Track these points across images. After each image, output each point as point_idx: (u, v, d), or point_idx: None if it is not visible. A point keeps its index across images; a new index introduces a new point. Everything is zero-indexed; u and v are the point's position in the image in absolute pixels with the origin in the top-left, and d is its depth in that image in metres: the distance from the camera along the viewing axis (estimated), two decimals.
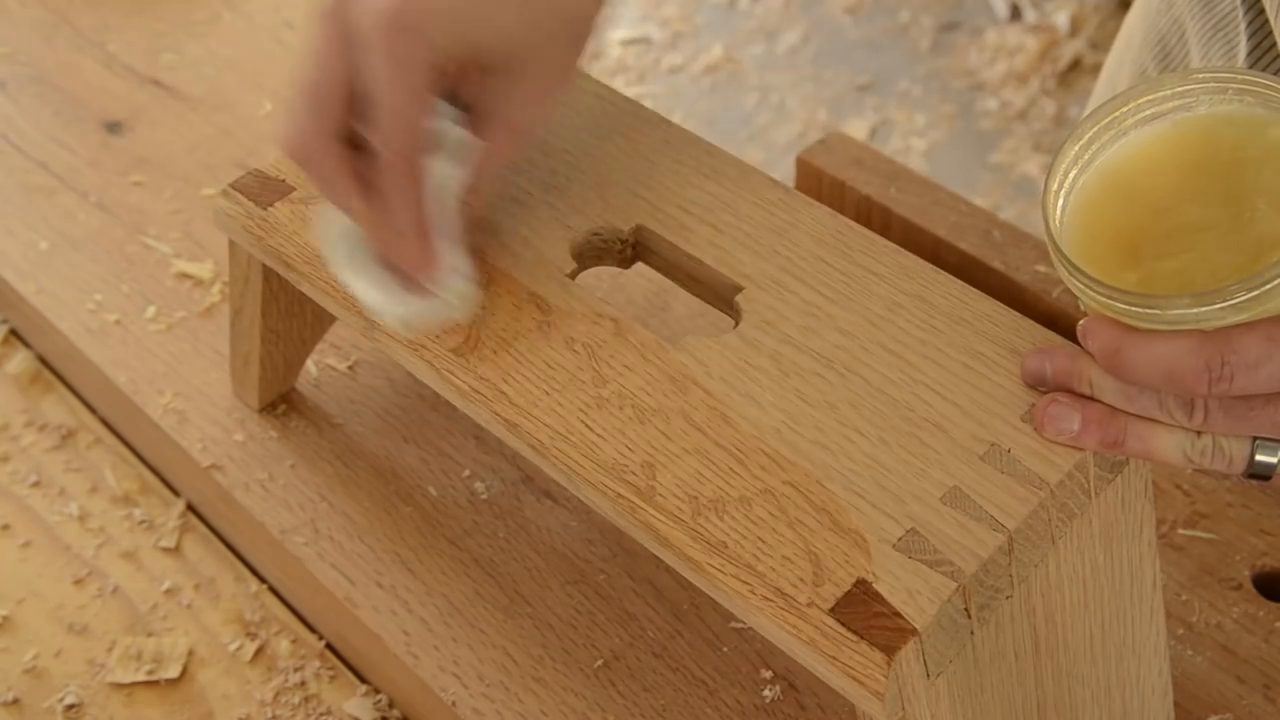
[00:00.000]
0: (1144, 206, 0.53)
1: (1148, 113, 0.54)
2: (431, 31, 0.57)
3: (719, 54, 2.44)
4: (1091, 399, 0.54)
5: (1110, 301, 0.50)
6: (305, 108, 0.59)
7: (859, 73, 2.39)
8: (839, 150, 0.91)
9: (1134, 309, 0.50)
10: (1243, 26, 0.75)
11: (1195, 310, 0.49)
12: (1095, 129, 0.54)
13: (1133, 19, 0.90)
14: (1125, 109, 0.54)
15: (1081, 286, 0.51)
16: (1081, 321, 0.54)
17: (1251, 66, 0.74)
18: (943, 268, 0.62)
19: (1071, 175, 0.54)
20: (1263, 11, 0.74)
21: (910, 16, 2.49)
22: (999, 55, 2.39)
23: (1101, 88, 0.95)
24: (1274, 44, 0.74)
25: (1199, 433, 0.53)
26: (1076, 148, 0.54)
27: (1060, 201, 0.54)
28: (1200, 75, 0.53)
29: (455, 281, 0.62)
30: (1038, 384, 0.56)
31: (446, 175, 0.62)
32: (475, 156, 0.62)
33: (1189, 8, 0.80)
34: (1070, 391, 0.55)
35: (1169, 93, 0.53)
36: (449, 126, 0.62)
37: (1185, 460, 0.53)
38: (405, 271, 0.62)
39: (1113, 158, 0.54)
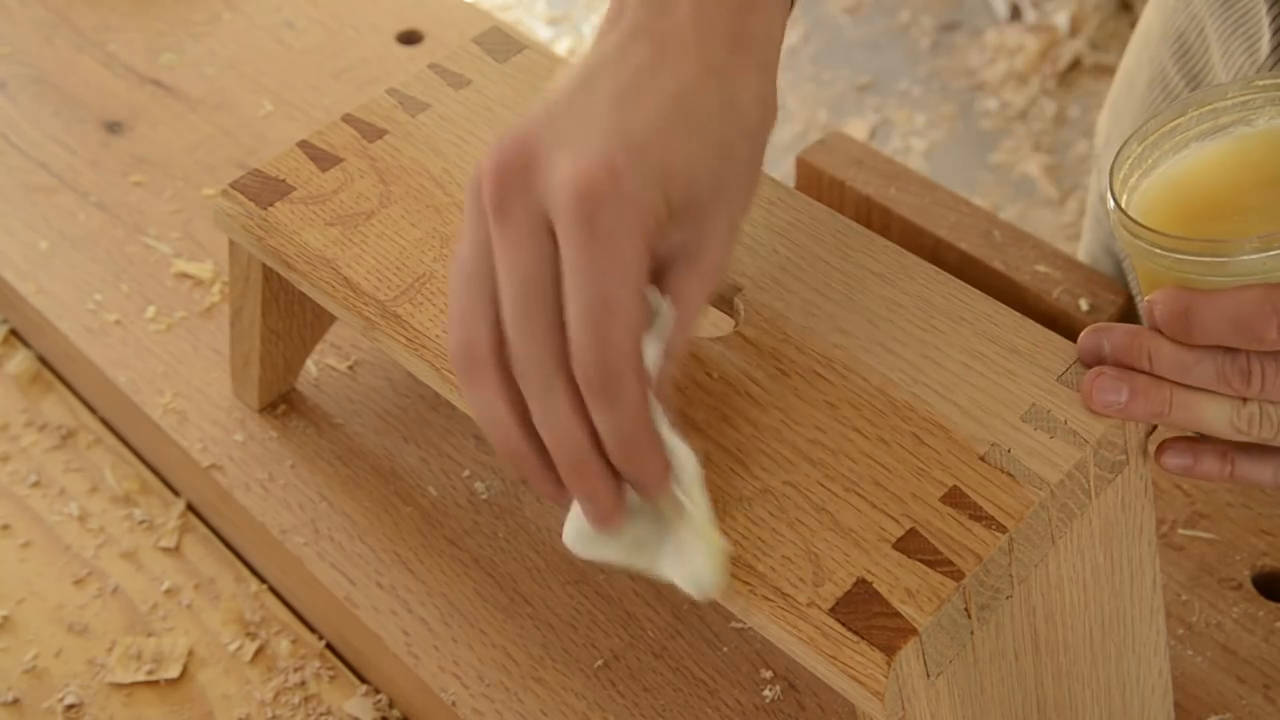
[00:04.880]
0: (1204, 205, 0.54)
1: (1208, 124, 0.55)
2: (640, 194, 0.47)
3: None
4: (1136, 371, 0.54)
5: (1177, 256, 0.51)
6: (522, 324, 0.48)
7: (859, 73, 2.39)
8: (839, 150, 0.91)
9: (1202, 259, 0.51)
10: (1266, 23, 0.75)
11: (1262, 255, 0.50)
12: (1159, 133, 0.55)
13: (1149, 16, 0.90)
14: (1186, 117, 0.55)
15: (1146, 246, 0.52)
16: (1147, 296, 0.54)
17: (1276, 64, 0.74)
18: (943, 268, 0.62)
19: (1135, 177, 0.55)
20: None
21: (910, 16, 2.49)
22: (999, 55, 2.39)
23: (1119, 85, 0.95)
24: None
25: (1245, 400, 0.53)
26: (1141, 148, 0.55)
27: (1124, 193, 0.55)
28: (1261, 83, 0.54)
29: (688, 472, 0.51)
30: (1093, 361, 0.56)
31: (649, 354, 0.50)
32: (671, 322, 0.51)
33: (1207, 6, 0.80)
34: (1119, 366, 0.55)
35: (1229, 102, 0.54)
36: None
37: (1232, 429, 0.53)
38: (635, 484, 0.51)
39: (1173, 169, 0.55)
